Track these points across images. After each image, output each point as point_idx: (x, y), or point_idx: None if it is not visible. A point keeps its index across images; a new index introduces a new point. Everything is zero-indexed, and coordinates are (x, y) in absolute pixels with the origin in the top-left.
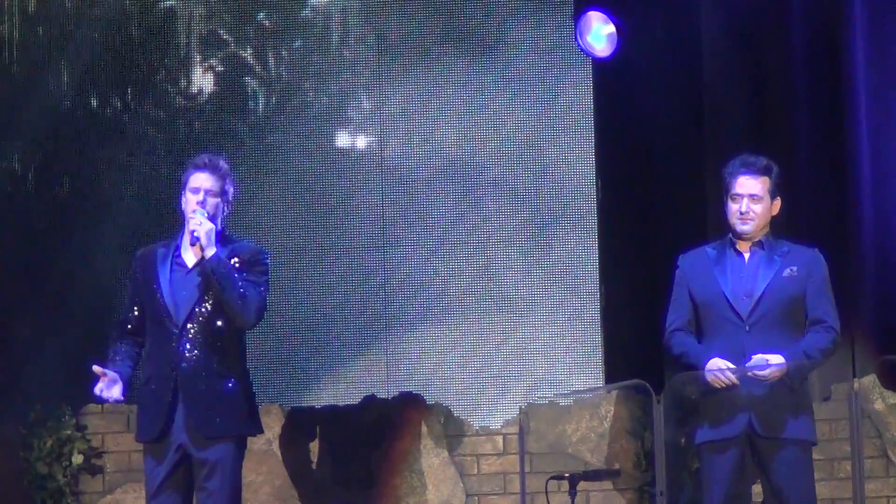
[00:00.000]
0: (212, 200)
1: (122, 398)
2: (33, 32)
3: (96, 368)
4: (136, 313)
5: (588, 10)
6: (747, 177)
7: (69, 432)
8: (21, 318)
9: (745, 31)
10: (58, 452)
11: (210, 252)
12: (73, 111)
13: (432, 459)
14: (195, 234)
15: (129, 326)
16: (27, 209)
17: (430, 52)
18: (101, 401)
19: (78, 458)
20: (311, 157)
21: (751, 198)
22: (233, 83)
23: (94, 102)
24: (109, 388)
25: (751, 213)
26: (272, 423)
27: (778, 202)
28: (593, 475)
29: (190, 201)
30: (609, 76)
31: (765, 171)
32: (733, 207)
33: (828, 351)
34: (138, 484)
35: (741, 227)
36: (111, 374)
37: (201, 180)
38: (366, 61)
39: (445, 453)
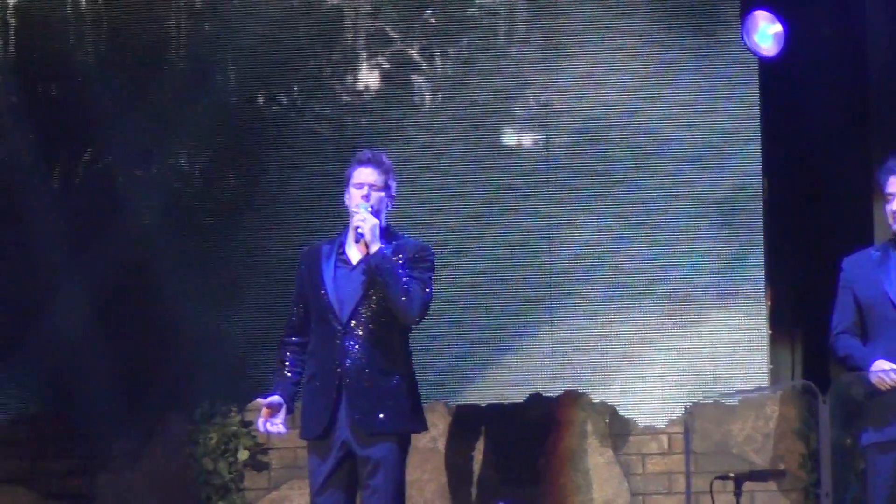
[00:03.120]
0: (375, 195)
1: (284, 431)
2: (200, 29)
3: (258, 402)
4: (301, 311)
5: (754, 10)
6: None
7: (235, 428)
8: (189, 315)
9: None
10: (224, 448)
11: (374, 248)
12: (240, 108)
13: (597, 458)
14: (359, 230)
15: (295, 325)
16: (194, 206)
17: (597, 50)
18: (266, 433)
19: (244, 454)
20: (476, 155)
21: None
22: (399, 80)
23: (260, 99)
24: (272, 420)
25: None
26: (437, 421)
27: None
28: (759, 475)
29: (354, 196)
30: (775, 75)
31: None
32: (888, 207)
33: None
34: (303, 480)
35: None
36: (275, 402)
37: (365, 175)
38: (532, 59)
39: (610, 452)
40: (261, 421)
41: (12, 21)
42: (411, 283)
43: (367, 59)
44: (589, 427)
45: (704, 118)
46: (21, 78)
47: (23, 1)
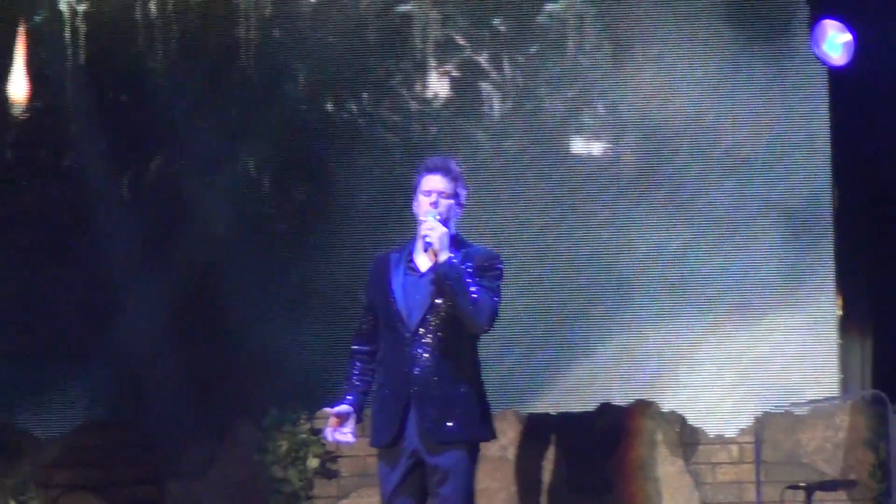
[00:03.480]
0: (444, 202)
1: (352, 441)
2: (270, 36)
3: (325, 411)
4: (370, 320)
5: (824, 19)
6: None
7: (305, 436)
8: (258, 322)
9: None
10: (293, 456)
11: (443, 257)
12: (309, 115)
13: (668, 467)
14: (427, 239)
15: (365, 333)
16: (264, 213)
17: (666, 59)
18: (335, 442)
19: (313, 462)
20: (545, 163)
21: None
22: (468, 88)
23: (329, 106)
24: (340, 430)
25: None
26: (507, 429)
27: None
28: (829, 485)
29: (422, 204)
30: (845, 84)
31: None
32: None
33: None
34: (373, 489)
35: None
36: (344, 412)
37: (434, 182)
38: (601, 67)
39: (681, 461)
40: (328, 430)
41: (83, 28)
42: (480, 292)
43: (436, 66)
44: (659, 436)
45: (774, 127)
46: (92, 85)
47: (93, 7)
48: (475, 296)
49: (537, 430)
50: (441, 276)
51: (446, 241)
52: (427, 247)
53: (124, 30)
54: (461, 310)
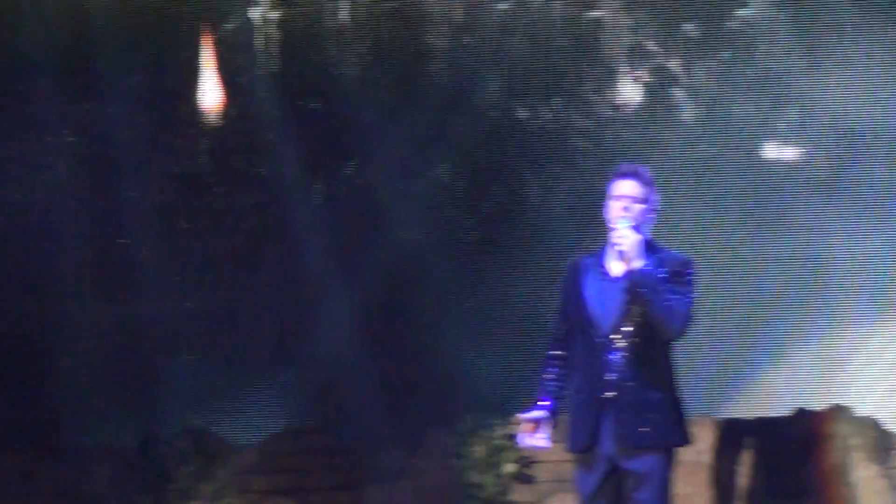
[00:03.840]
0: (636, 207)
1: (547, 446)
2: (461, 43)
3: (520, 416)
4: (565, 325)
5: None
6: None
7: (500, 441)
8: (452, 328)
9: None
10: (489, 461)
11: (637, 265)
12: (501, 121)
13: (863, 472)
14: (619, 248)
15: (560, 339)
16: (456, 220)
17: (861, 61)
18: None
19: (510, 467)
20: (737, 167)
21: None
22: (659, 94)
23: (521, 113)
24: (535, 435)
25: None
26: (703, 434)
27: None
28: None
29: (614, 209)
30: None
31: None
32: None
33: None
34: (569, 494)
35: None
36: (538, 417)
37: (625, 188)
38: (793, 71)
39: (876, 466)
40: (523, 436)
41: (275, 35)
42: (673, 299)
43: (627, 72)
44: (854, 441)
45: None
46: (284, 92)
47: (285, 15)
48: (669, 303)
49: (732, 435)
50: (634, 284)
51: (639, 248)
52: (620, 256)
53: (316, 37)
54: (655, 317)
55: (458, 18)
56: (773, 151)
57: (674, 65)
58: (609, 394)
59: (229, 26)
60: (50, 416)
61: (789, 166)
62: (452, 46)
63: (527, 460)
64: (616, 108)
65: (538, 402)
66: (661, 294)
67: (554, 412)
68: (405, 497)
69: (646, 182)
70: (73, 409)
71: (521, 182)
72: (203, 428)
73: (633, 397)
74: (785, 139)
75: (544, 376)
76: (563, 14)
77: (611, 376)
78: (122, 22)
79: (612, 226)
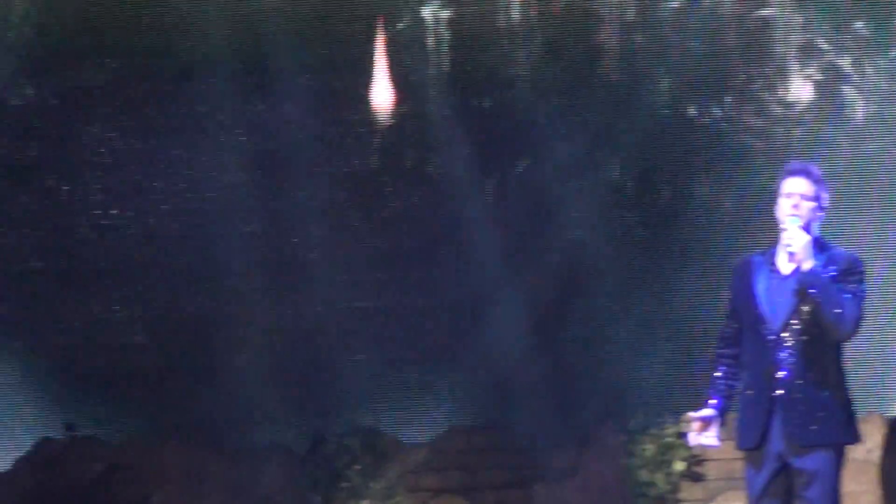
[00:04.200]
0: (805, 205)
1: (716, 444)
2: (632, 41)
3: (689, 415)
4: (734, 322)
5: None
6: None
7: (670, 439)
8: (621, 327)
9: None
10: (659, 459)
11: (807, 266)
12: (671, 120)
13: None
14: (790, 249)
15: (729, 337)
16: (626, 218)
17: None
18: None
19: (680, 466)
20: None
21: None
22: (830, 91)
23: (691, 112)
24: (705, 434)
25: None
26: (873, 432)
27: None
28: None
29: (783, 207)
30: None
31: None
32: None
33: None
34: (740, 492)
35: None
36: (708, 416)
37: (795, 185)
38: None
39: None
40: (693, 435)
41: (446, 34)
42: (844, 300)
43: (798, 70)
44: None
45: None
46: (455, 91)
47: (456, 14)
48: (840, 303)
49: None
50: (805, 285)
51: (809, 249)
52: (791, 257)
53: (487, 36)
54: (825, 318)
55: (629, 17)
56: None
57: (844, 62)
58: (779, 392)
59: (401, 25)
60: (222, 415)
61: None
62: (622, 45)
63: (697, 458)
64: (786, 105)
65: (708, 401)
66: (832, 296)
67: (723, 410)
68: (574, 495)
69: (816, 180)
70: (244, 409)
71: (690, 181)
72: (373, 426)
73: (803, 395)
74: None
75: (714, 374)
76: (734, 12)
77: (780, 374)
78: (294, 22)
79: (782, 225)
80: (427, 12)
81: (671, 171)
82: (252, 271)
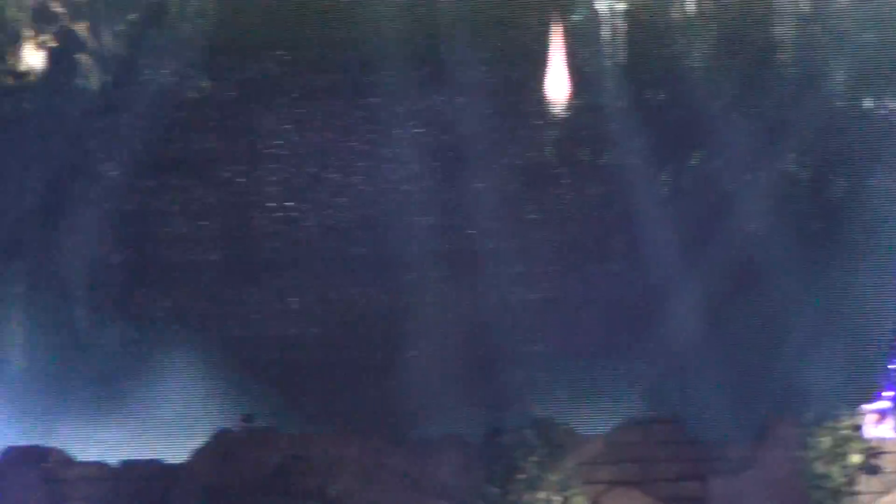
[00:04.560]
0: None
1: (894, 436)
2: (809, 33)
3: (866, 407)
4: None
5: None
6: None
7: (847, 432)
8: (796, 319)
9: None
10: (835, 452)
11: None
12: (848, 112)
13: None
14: None
15: None
16: (800, 211)
17: None
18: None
19: (856, 458)
20: None
21: None
22: None
23: (868, 103)
24: (881, 425)
25: None
26: None
27: None
28: None
29: None
30: None
31: None
32: None
33: None
34: None
35: None
36: (885, 407)
37: None
38: None
39: None
40: (868, 427)
41: (622, 27)
42: None
43: None
44: None
45: None
46: (630, 83)
47: (632, 6)
48: None
49: None
50: None
51: None
52: None
53: (662, 28)
54: None
55: (805, 9)
56: None
57: None
58: None
59: (576, 18)
60: (398, 406)
61: None
62: (798, 37)
63: (874, 451)
64: None
65: (884, 393)
66: None
67: None
68: (751, 488)
69: None
70: (421, 400)
71: (867, 173)
72: (549, 418)
73: None
74: None
75: (890, 366)
76: None
77: None
78: (468, 15)
79: None
80: (602, 4)
81: (846, 162)
82: (428, 263)
